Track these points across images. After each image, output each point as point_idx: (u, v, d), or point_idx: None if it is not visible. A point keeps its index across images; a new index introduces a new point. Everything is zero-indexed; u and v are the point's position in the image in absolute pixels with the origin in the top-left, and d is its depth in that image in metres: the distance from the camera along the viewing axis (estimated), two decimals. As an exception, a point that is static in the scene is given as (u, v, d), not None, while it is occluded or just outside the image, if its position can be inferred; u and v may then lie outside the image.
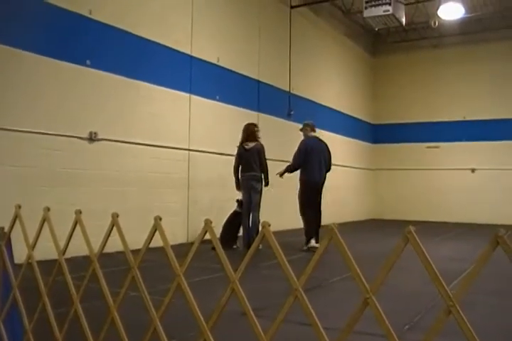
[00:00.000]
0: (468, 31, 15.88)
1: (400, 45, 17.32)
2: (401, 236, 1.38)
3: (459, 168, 16.24)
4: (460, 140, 16.32)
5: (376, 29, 13.91)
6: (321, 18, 14.40)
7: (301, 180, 8.76)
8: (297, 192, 8.68)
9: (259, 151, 8.18)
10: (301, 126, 9.17)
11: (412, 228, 1.37)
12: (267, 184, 8.29)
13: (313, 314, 1.47)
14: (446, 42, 16.58)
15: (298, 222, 8.88)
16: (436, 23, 14.46)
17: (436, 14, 14.18)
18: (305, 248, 8.27)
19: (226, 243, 7.73)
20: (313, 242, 8.31)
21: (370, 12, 11.71)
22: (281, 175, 8.69)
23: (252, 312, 1.56)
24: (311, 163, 8.67)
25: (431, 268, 1.32)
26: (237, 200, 8.33)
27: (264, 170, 8.24)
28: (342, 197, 15.18)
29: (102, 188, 7.49)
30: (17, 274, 2.34)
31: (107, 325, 1.98)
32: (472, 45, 16.13)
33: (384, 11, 11.50)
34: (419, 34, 16.73)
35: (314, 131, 9.06)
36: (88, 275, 2.06)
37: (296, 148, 8.70)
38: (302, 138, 8.94)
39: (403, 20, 12.12)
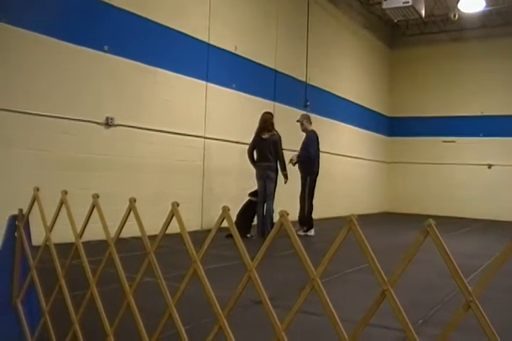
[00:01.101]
0: (488, 24, 15.65)
1: (419, 38, 17.11)
2: (420, 230, 1.37)
3: (476, 163, 16.08)
4: (477, 135, 16.13)
5: (395, 21, 13.80)
6: (339, 9, 14.27)
7: (310, 170, 9.12)
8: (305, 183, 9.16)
9: (276, 142, 8.18)
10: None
11: (432, 221, 1.36)
12: (285, 176, 8.29)
13: (330, 305, 1.47)
14: (466, 35, 16.34)
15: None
16: (456, 16, 14.28)
17: (456, 7, 14.01)
18: (302, 233, 8.92)
19: (240, 231, 7.70)
20: (312, 231, 9.05)
21: (390, 3, 11.62)
22: (295, 163, 8.97)
23: (268, 302, 1.56)
24: (317, 154, 9.26)
25: (451, 263, 1.31)
26: (250, 193, 8.32)
27: (281, 162, 8.26)
28: (356, 189, 15.16)
29: (117, 173, 7.52)
30: (34, 256, 2.36)
31: (122, 310, 1.99)
32: (492, 38, 15.88)
33: (404, 3, 11.40)
34: (439, 27, 16.52)
35: (311, 123, 9.48)
36: (105, 259, 2.07)
37: (304, 140, 9.21)
38: (307, 129, 9.31)
39: (423, 12, 12.00)
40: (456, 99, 16.59)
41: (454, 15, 14.25)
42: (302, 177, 9.19)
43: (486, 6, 14.09)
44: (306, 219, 9.11)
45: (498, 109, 15.75)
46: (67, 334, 2.24)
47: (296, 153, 9.16)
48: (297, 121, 9.38)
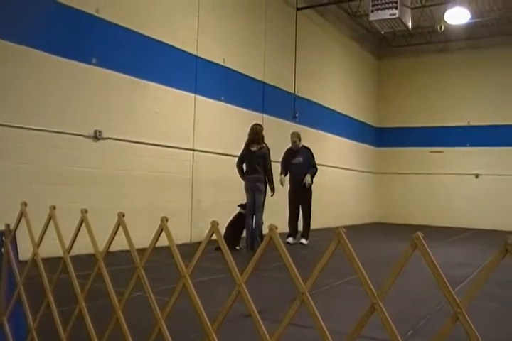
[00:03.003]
0: (474, 36, 15.86)
1: (406, 49, 17.29)
2: (409, 242, 1.38)
3: (463, 173, 16.21)
4: (464, 145, 16.29)
5: (382, 32, 13.92)
6: (326, 21, 14.39)
7: (312, 183, 9.33)
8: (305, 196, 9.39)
9: (265, 155, 8.16)
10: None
11: (420, 234, 1.37)
12: (272, 190, 8.29)
13: (320, 318, 1.47)
14: (452, 47, 16.56)
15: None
16: (442, 28, 14.44)
17: (443, 19, 14.16)
18: (305, 242, 9.28)
19: (229, 244, 7.67)
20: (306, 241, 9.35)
21: (377, 15, 11.68)
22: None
23: (258, 316, 1.56)
24: None
25: (439, 275, 1.32)
26: (240, 205, 8.31)
27: (269, 175, 8.23)
28: (345, 200, 15.19)
29: (106, 187, 7.49)
30: (22, 271, 2.34)
31: (111, 325, 1.98)
32: (478, 50, 16.09)
33: (390, 15, 11.47)
34: (425, 38, 16.70)
35: None
36: (93, 274, 2.06)
37: (308, 158, 9.43)
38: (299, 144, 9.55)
39: (409, 24, 12.10)
40: (442, 110, 16.74)
41: (440, 27, 14.41)
42: (301, 192, 9.27)
43: (472, 18, 14.26)
44: (305, 229, 9.36)
45: (484, 119, 15.91)
46: (55, 351, 2.21)
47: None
48: (292, 140, 9.51)
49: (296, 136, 9.53)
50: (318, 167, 9.50)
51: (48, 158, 6.70)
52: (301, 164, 9.29)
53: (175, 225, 8.30)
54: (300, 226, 9.44)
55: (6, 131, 6.20)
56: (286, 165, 9.42)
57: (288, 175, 9.43)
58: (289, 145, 9.57)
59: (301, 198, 9.31)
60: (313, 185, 9.39)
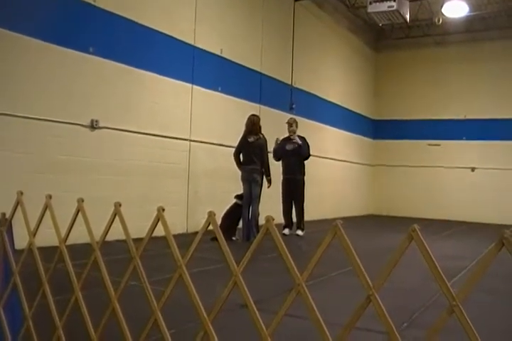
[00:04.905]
0: (471, 29, 15.82)
1: (403, 42, 17.25)
2: (406, 234, 1.38)
3: (460, 166, 16.25)
4: (461, 138, 16.32)
5: (380, 25, 13.88)
6: (324, 12, 14.33)
7: (302, 176, 9.30)
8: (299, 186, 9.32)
9: (262, 146, 8.17)
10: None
11: (416, 226, 1.37)
12: (269, 181, 8.31)
13: (316, 310, 1.47)
14: (450, 40, 16.52)
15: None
16: (440, 21, 14.42)
17: (441, 11, 14.14)
18: (301, 234, 9.23)
19: (225, 234, 7.67)
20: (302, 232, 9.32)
21: (375, 7, 11.67)
22: None
23: (254, 307, 1.56)
24: None
25: (435, 268, 1.32)
26: (236, 196, 8.31)
27: (266, 166, 8.24)
28: (341, 191, 15.21)
29: (102, 176, 7.47)
30: (17, 260, 2.34)
31: (107, 315, 1.98)
32: (475, 43, 16.07)
33: (388, 7, 11.46)
34: (423, 31, 16.66)
35: None
36: (89, 264, 2.06)
37: (303, 143, 9.34)
38: (295, 133, 9.44)
39: (407, 16, 12.08)
40: (439, 103, 16.74)
41: (438, 20, 14.38)
42: (293, 183, 9.27)
43: (470, 12, 14.24)
44: (299, 220, 9.32)
45: (480, 112, 15.92)
46: (50, 340, 2.22)
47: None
48: (288, 122, 9.43)
49: (292, 121, 9.51)
50: (315, 159, 9.49)
51: (44, 147, 6.68)
52: (294, 150, 9.24)
53: (171, 215, 8.29)
54: (295, 218, 9.46)
55: (4, 120, 6.17)
56: (281, 152, 9.41)
57: (281, 165, 9.44)
58: (286, 135, 9.55)
59: (293, 190, 9.30)
60: (308, 177, 9.39)
